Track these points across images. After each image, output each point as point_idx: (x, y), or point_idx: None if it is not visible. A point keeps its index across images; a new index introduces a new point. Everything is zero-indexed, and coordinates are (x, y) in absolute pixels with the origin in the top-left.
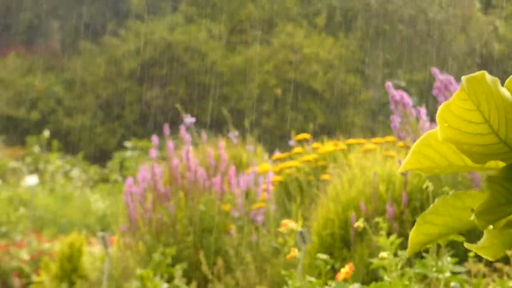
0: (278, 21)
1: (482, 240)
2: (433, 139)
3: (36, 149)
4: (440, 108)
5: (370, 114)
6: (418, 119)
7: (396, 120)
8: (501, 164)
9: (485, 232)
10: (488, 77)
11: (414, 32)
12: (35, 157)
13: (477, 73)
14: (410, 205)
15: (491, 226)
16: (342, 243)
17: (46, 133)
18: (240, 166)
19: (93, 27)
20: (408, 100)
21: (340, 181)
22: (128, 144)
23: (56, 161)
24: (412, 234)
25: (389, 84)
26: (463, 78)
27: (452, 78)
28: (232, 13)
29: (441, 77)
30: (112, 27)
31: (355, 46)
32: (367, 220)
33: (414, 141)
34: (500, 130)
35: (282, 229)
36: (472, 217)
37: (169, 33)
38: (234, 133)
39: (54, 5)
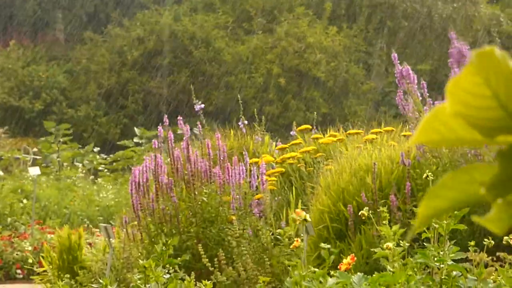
0: (282, 10)
1: (490, 213)
2: (443, 113)
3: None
4: (449, 82)
5: (373, 104)
6: (422, 95)
7: (400, 94)
8: (511, 138)
9: (493, 206)
10: (498, 52)
11: (418, 26)
12: (46, 146)
13: (487, 47)
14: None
15: (499, 200)
16: (337, 235)
17: (62, 126)
18: (248, 156)
19: (97, 17)
20: (413, 76)
21: (330, 172)
22: (138, 131)
23: (64, 152)
24: (421, 208)
25: (395, 55)
26: (473, 52)
27: (467, 46)
28: (236, 2)
29: (457, 44)
30: (116, 17)
31: (359, 37)
32: (359, 210)
33: (416, 115)
34: (509, 104)
35: (294, 217)
36: (482, 190)
37: (174, 22)
38: (243, 122)
39: None
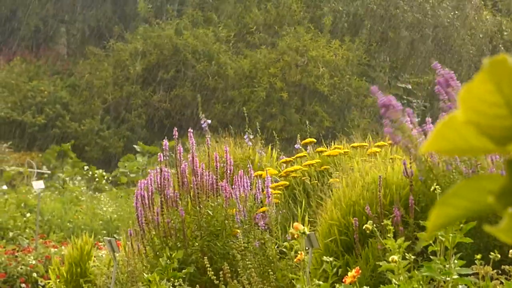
0: (283, 24)
1: (501, 223)
2: (455, 121)
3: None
4: (461, 90)
5: (376, 117)
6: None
7: (387, 124)
8: None
9: (504, 215)
10: (510, 60)
11: (420, 37)
12: (51, 162)
13: (499, 55)
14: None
15: (510, 209)
16: (345, 248)
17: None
18: (251, 169)
19: (99, 32)
20: (396, 103)
21: (341, 185)
22: (136, 148)
23: (67, 168)
24: (432, 216)
25: (374, 88)
26: (485, 60)
27: (453, 74)
28: (237, 17)
29: (443, 71)
30: (119, 31)
31: (361, 50)
32: (372, 223)
33: (405, 143)
34: None
35: (292, 231)
36: (491, 199)
37: (176, 36)
38: (249, 136)
39: (60, 10)
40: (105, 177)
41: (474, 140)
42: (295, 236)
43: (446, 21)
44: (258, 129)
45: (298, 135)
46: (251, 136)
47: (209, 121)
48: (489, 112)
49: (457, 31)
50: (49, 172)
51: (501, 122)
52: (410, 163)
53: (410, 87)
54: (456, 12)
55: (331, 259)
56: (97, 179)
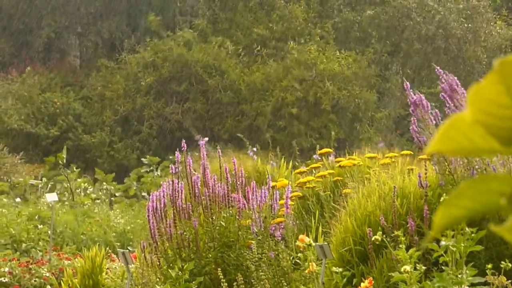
0: (292, 37)
1: (509, 222)
2: (461, 122)
3: (58, 167)
4: (470, 91)
5: (387, 130)
6: (436, 122)
7: (415, 122)
8: None
9: (510, 215)
10: None
11: (433, 49)
12: (57, 174)
13: (510, 56)
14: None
15: None
16: (360, 258)
17: (64, 153)
18: (263, 180)
19: (111, 44)
20: (426, 103)
21: (357, 195)
22: (146, 160)
23: (76, 178)
24: (437, 216)
25: (407, 85)
26: (496, 61)
27: (456, 80)
28: (246, 30)
29: (446, 77)
30: (130, 44)
31: (372, 61)
32: (385, 234)
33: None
34: None
35: (299, 244)
36: (503, 201)
37: (187, 50)
38: (253, 150)
39: (72, 22)
40: (117, 189)
41: (480, 140)
42: (301, 248)
43: (459, 33)
44: (270, 142)
45: (318, 145)
46: (255, 149)
47: (207, 139)
48: (498, 113)
49: (469, 42)
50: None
51: (509, 123)
52: (425, 173)
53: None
54: (470, 25)
55: (340, 269)
56: (109, 191)
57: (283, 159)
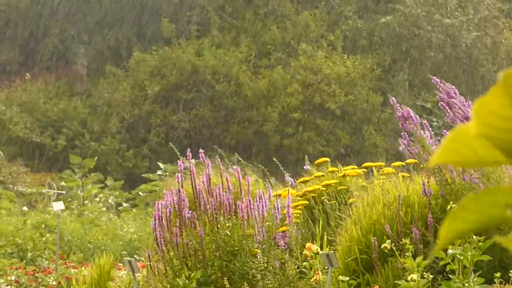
0: (300, 43)
1: None
2: (465, 134)
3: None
4: (475, 103)
5: (393, 135)
6: (427, 134)
7: (406, 138)
8: None
9: None
10: None
11: (443, 57)
12: (70, 180)
13: None
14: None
15: None
16: (365, 266)
17: (93, 161)
18: (270, 188)
19: (118, 51)
20: (415, 116)
21: (362, 204)
22: (156, 167)
23: (87, 187)
24: (443, 230)
25: (393, 100)
26: (501, 74)
27: (454, 89)
28: (255, 35)
29: (443, 86)
30: (138, 52)
31: (378, 67)
32: (391, 242)
33: (423, 156)
34: None
35: (306, 252)
36: (509, 213)
37: (197, 57)
38: (289, 178)
39: (79, 30)
40: (124, 197)
41: (484, 152)
42: (308, 257)
43: (469, 42)
44: (274, 150)
45: (314, 153)
46: (289, 178)
47: (202, 151)
48: (502, 125)
49: (479, 51)
50: (63, 192)
51: None
52: (428, 181)
53: (429, 106)
54: (478, 33)
55: (347, 278)
56: (117, 199)
57: (283, 171)
